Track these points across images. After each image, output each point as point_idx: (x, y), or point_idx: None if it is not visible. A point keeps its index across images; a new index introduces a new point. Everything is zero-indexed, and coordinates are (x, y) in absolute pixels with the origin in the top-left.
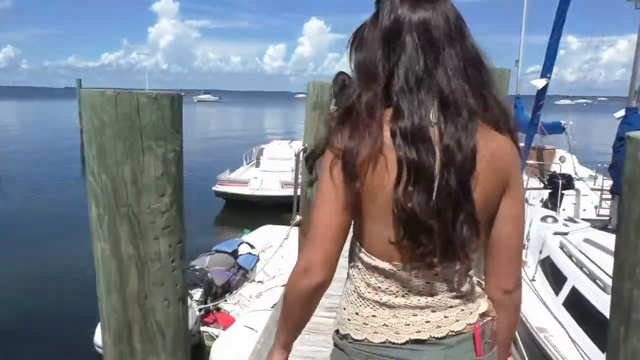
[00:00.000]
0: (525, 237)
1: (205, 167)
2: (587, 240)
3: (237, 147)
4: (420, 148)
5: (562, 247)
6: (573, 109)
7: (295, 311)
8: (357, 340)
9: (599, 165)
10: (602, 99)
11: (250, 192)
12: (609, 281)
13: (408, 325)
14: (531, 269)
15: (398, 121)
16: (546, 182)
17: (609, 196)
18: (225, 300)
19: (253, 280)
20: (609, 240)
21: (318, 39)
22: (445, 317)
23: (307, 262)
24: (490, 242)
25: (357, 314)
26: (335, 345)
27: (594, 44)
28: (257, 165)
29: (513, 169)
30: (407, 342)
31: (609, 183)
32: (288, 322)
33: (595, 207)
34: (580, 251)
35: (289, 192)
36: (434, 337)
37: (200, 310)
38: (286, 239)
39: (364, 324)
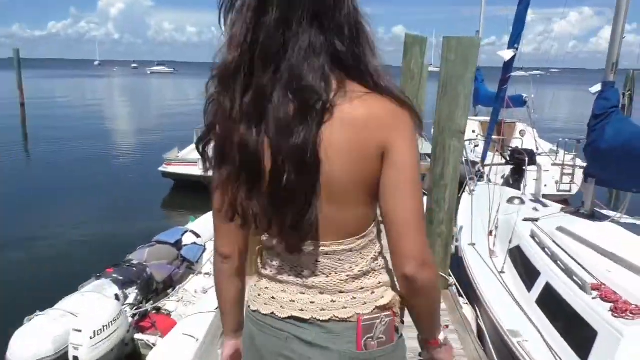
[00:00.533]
0: (492, 224)
1: (156, 145)
2: (560, 229)
3: (191, 123)
4: (247, 127)
5: (533, 236)
6: (528, 81)
7: (218, 289)
8: (253, 311)
9: (560, 139)
10: (555, 70)
11: (200, 172)
12: (587, 278)
13: (293, 301)
14: (500, 259)
15: (234, 95)
16: (508, 158)
17: (570, 171)
18: (168, 298)
19: (200, 273)
20: (583, 228)
21: None
22: (333, 301)
23: (215, 243)
24: (382, 218)
25: (255, 285)
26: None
27: (547, 16)
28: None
29: (392, 135)
30: (289, 318)
31: (569, 157)
32: (219, 303)
33: (557, 183)
34: (554, 241)
35: None
36: (316, 318)
37: (134, 315)
38: None
39: (258, 295)
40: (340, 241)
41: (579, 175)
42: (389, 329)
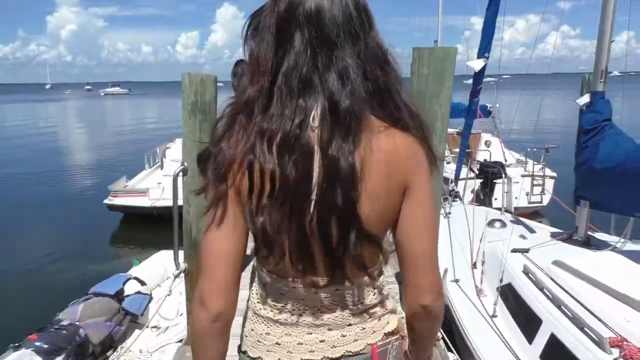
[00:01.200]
0: (475, 255)
1: (103, 173)
2: (557, 263)
3: (142, 148)
4: (286, 156)
5: (526, 272)
6: (483, 88)
7: (202, 350)
8: (253, 358)
9: (529, 149)
10: (506, 76)
11: (150, 203)
12: (603, 330)
13: (301, 344)
14: (489, 300)
15: (265, 124)
16: (477, 172)
17: (540, 182)
18: None
19: (146, 327)
20: (583, 260)
21: (232, 25)
22: (343, 335)
23: (201, 293)
24: (398, 251)
25: (252, 330)
26: None
27: (497, 24)
28: (162, 167)
29: (414, 171)
30: None
31: (538, 167)
32: None
33: (527, 194)
34: (552, 279)
35: None
36: (328, 357)
37: None
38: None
39: (258, 341)
40: (368, 271)
41: (549, 185)
42: (400, 352)
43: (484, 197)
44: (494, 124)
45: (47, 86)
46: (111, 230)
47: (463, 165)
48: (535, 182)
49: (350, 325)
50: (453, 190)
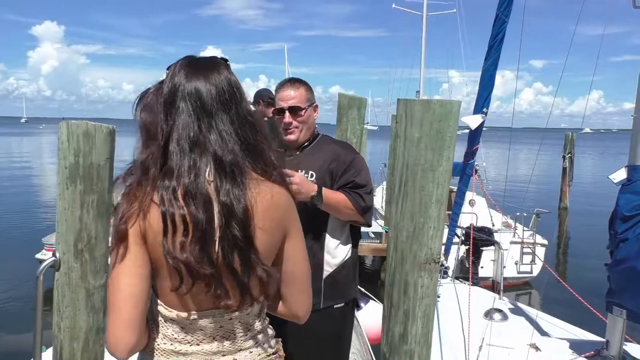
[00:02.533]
0: None
1: (48, 219)
2: None
3: None
4: (192, 204)
5: None
6: (460, 138)
7: None
8: None
9: (518, 213)
10: (484, 129)
11: None
12: None
13: None
14: None
15: (166, 180)
16: (462, 238)
17: (530, 250)
18: None
19: None
20: None
21: None
22: (235, 359)
23: (112, 335)
24: (282, 277)
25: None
26: None
27: (471, 78)
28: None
29: (290, 215)
30: None
31: (528, 234)
32: None
33: (516, 263)
34: None
35: None
36: None
37: None
38: None
39: None
40: (254, 303)
41: (540, 252)
42: None
43: (468, 265)
44: (480, 183)
45: (23, 120)
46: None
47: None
48: (524, 250)
49: (241, 350)
50: (442, 266)
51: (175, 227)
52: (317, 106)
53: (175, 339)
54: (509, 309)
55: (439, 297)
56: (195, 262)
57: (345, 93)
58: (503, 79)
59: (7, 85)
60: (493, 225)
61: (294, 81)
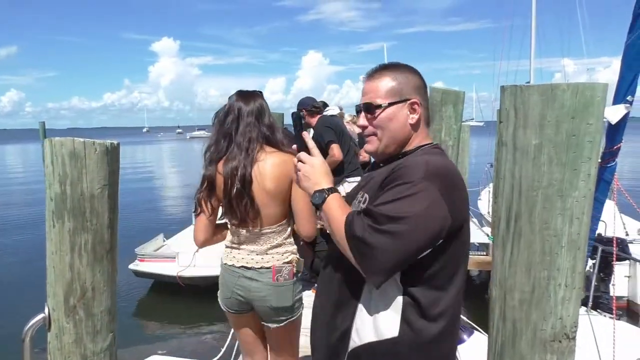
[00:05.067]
0: None
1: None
2: None
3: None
4: (228, 172)
5: None
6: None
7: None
8: (224, 263)
9: None
10: (479, 124)
11: (176, 271)
12: None
13: (243, 258)
14: None
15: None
16: (590, 250)
17: None
18: None
19: None
20: None
21: (317, 71)
22: (262, 258)
23: (194, 235)
24: (293, 209)
25: (224, 251)
26: None
27: (590, 65)
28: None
29: (290, 173)
30: (240, 267)
31: None
32: None
33: None
34: None
35: None
36: (253, 266)
37: None
38: None
39: (226, 255)
40: (270, 226)
41: None
42: (290, 273)
43: (597, 284)
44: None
45: (144, 129)
46: (136, 300)
47: None
48: None
49: (266, 254)
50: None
51: (221, 184)
52: (415, 103)
53: (231, 239)
54: None
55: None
56: (229, 204)
57: (439, 87)
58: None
59: (132, 99)
60: (627, 234)
61: (381, 68)
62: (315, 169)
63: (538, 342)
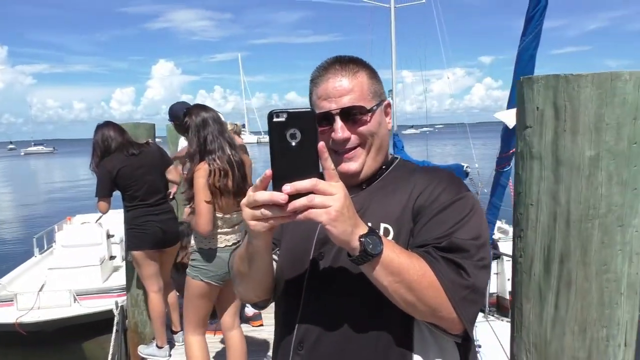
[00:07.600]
0: None
1: None
2: None
3: (40, 223)
4: (226, 164)
5: None
6: (421, 137)
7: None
8: (217, 246)
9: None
10: (439, 126)
11: (15, 317)
12: None
13: (235, 238)
14: None
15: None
16: None
17: None
18: None
19: None
20: None
21: (169, 81)
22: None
23: (199, 226)
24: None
25: (217, 239)
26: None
27: (425, 77)
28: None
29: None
30: (232, 245)
31: None
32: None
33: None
34: None
35: (87, 308)
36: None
37: None
38: None
39: (220, 242)
40: None
41: None
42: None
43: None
44: (476, 189)
45: None
46: None
47: None
48: None
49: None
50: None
51: (216, 174)
52: (389, 105)
53: (225, 230)
54: None
55: (479, 346)
56: (224, 188)
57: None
58: (455, 76)
59: None
60: (493, 233)
61: (345, 62)
62: (343, 202)
63: None
